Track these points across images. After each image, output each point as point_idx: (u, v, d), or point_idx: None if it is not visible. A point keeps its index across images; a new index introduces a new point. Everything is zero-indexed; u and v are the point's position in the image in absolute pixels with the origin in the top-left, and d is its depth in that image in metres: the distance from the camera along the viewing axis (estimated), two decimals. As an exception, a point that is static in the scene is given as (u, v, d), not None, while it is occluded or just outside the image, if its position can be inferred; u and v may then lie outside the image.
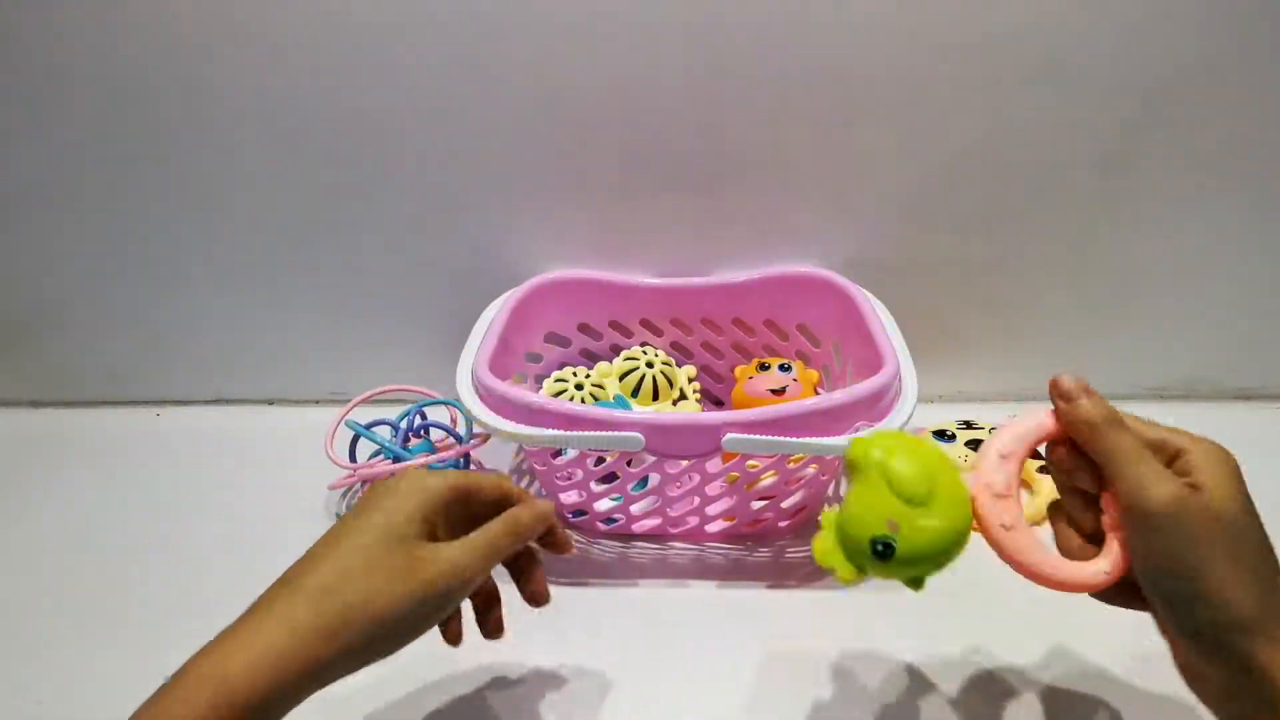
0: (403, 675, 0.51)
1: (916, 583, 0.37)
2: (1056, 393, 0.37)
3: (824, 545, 0.39)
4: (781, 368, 0.67)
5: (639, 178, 0.67)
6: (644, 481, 0.59)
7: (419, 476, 0.39)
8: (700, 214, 0.68)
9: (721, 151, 0.65)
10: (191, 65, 0.63)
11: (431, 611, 0.36)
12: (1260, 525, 0.34)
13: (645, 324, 0.72)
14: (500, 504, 0.41)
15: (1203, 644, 0.33)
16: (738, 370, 0.70)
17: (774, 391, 0.65)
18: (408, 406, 0.66)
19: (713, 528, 0.60)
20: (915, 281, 0.70)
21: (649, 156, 0.65)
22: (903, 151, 0.64)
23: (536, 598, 0.44)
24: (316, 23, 0.61)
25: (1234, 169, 0.64)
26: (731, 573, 0.58)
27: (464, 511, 0.40)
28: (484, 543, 0.38)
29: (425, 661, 0.51)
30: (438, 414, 0.69)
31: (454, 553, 0.37)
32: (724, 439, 0.51)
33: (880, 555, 0.35)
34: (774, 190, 0.67)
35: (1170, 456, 0.36)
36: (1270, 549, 0.34)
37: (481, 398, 0.55)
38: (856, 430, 0.52)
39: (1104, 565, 0.36)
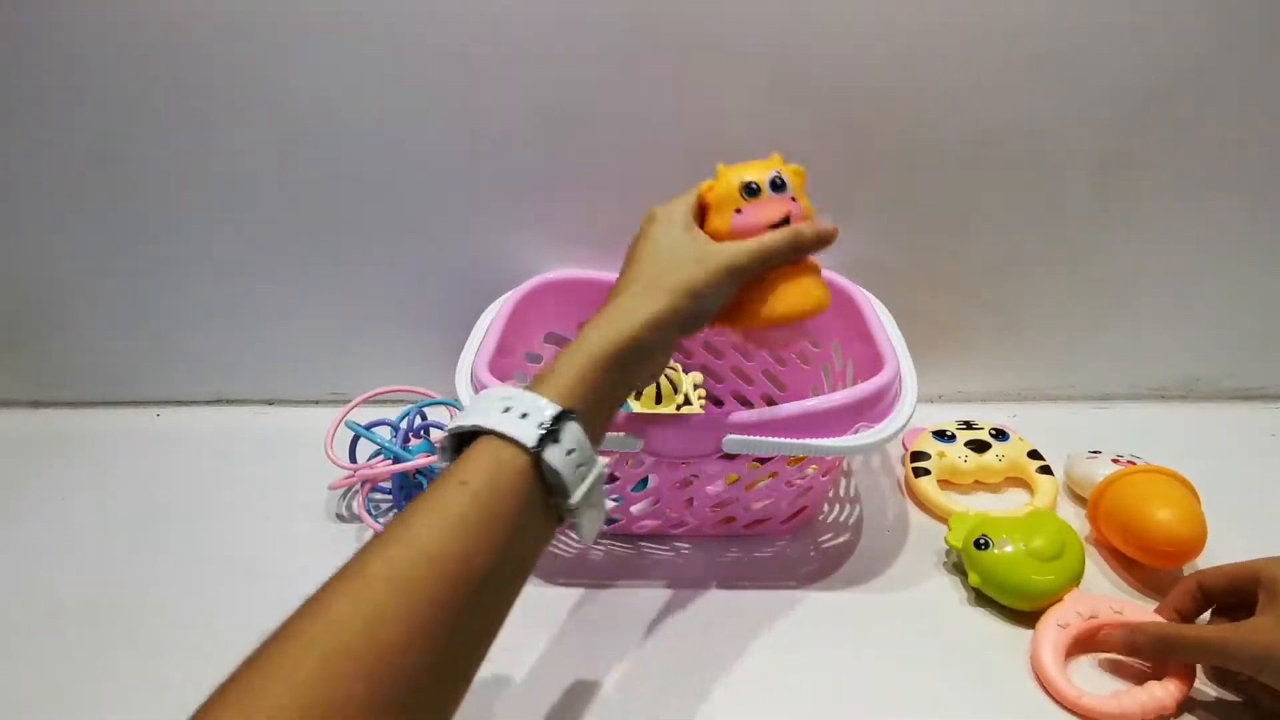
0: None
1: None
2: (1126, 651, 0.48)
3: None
4: (774, 185, 0.50)
5: (639, 177, 0.66)
6: (644, 482, 0.59)
7: (666, 209, 0.49)
8: (700, 214, 0.68)
9: (721, 151, 0.65)
10: (191, 65, 0.63)
11: (730, 287, 0.47)
12: None
13: (645, 324, 0.72)
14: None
15: None
16: (710, 196, 0.51)
17: (775, 226, 0.49)
18: (408, 407, 0.66)
19: (713, 528, 0.60)
20: (915, 282, 0.70)
21: (649, 156, 0.65)
22: (903, 152, 0.64)
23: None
24: (317, 23, 0.61)
25: (1233, 169, 0.64)
26: (731, 573, 0.58)
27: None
28: (760, 246, 0.47)
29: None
30: (438, 414, 0.68)
31: (734, 250, 0.47)
32: (724, 440, 0.51)
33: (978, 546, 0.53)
34: (774, 190, 0.67)
35: (1248, 591, 0.45)
36: None
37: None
38: (856, 431, 0.52)
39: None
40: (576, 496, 0.37)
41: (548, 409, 0.37)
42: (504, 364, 0.62)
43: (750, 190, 0.49)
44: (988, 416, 0.69)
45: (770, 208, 0.49)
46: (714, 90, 0.62)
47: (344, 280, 0.73)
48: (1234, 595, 0.47)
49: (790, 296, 0.49)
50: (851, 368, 0.64)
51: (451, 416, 0.69)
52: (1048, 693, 0.47)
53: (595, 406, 0.41)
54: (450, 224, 0.69)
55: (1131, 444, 0.64)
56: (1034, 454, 0.65)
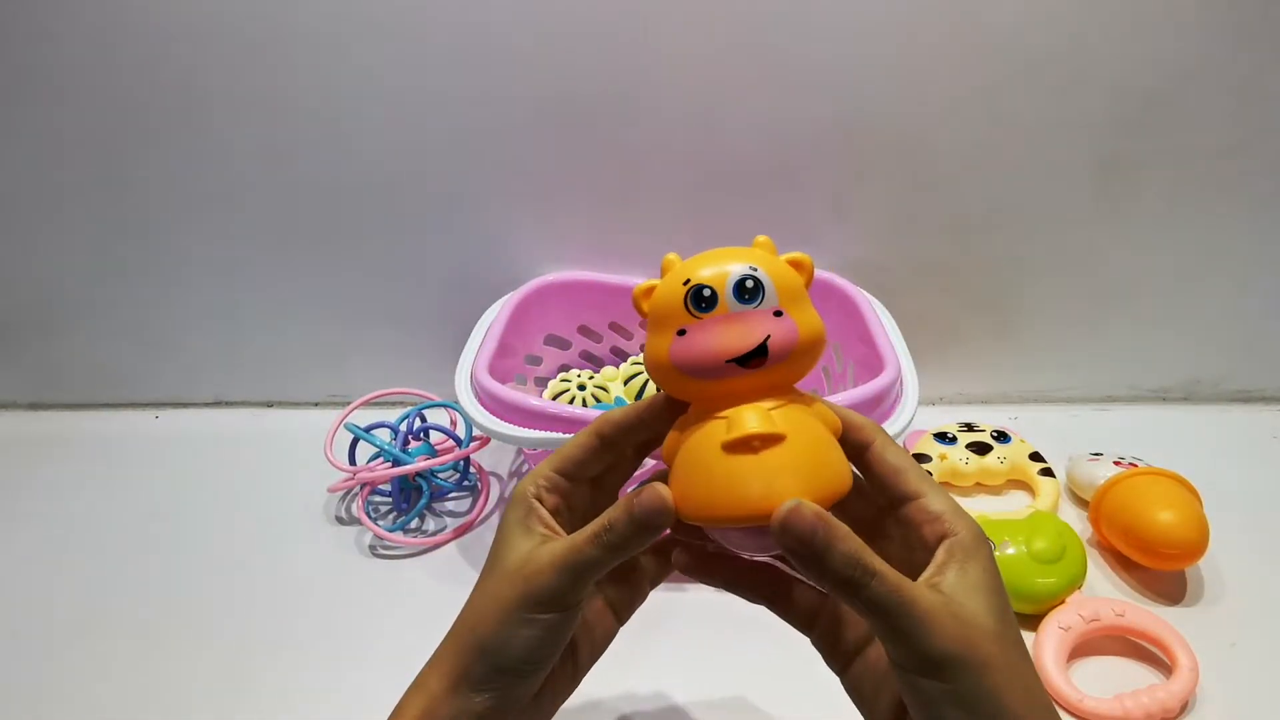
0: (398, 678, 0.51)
1: None
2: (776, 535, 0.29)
3: None
4: (741, 292, 0.29)
5: (639, 179, 0.66)
6: (644, 483, 0.58)
7: (515, 491, 0.34)
8: (700, 215, 0.68)
9: (721, 153, 0.65)
10: (190, 67, 0.63)
11: (525, 624, 0.31)
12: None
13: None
14: (609, 445, 0.35)
15: None
16: (646, 304, 0.32)
17: (744, 359, 0.29)
18: (407, 409, 0.65)
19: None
20: (916, 284, 0.69)
21: (649, 158, 0.65)
22: (903, 153, 0.64)
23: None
24: (316, 25, 0.61)
25: (1233, 171, 0.64)
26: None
27: (575, 485, 0.35)
28: (566, 552, 0.31)
29: (418, 664, 0.51)
30: (437, 416, 0.68)
31: (536, 569, 0.31)
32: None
33: None
34: (774, 192, 0.66)
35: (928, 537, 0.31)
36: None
37: (481, 400, 0.55)
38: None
39: None
40: None
41: None
42: (504, 366, 0.62)
43: (699, 299, 0.29)
44: (989, 419, 0.69)
45: (731, 329, 0.29)
46: (714, 91, 0.62)
47: (343, 282, 0.73)
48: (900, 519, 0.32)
49: (736, 483, 0.29)
50: (852, 370, 0.64)
51: (451, 419, 0.69)
52: (1050, 695, 0.47)
53: None
54: (450, 225, 0.69)
55: (1133, 446, 0.64)
56: (1035, 456, 0.65)
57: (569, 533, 0.32)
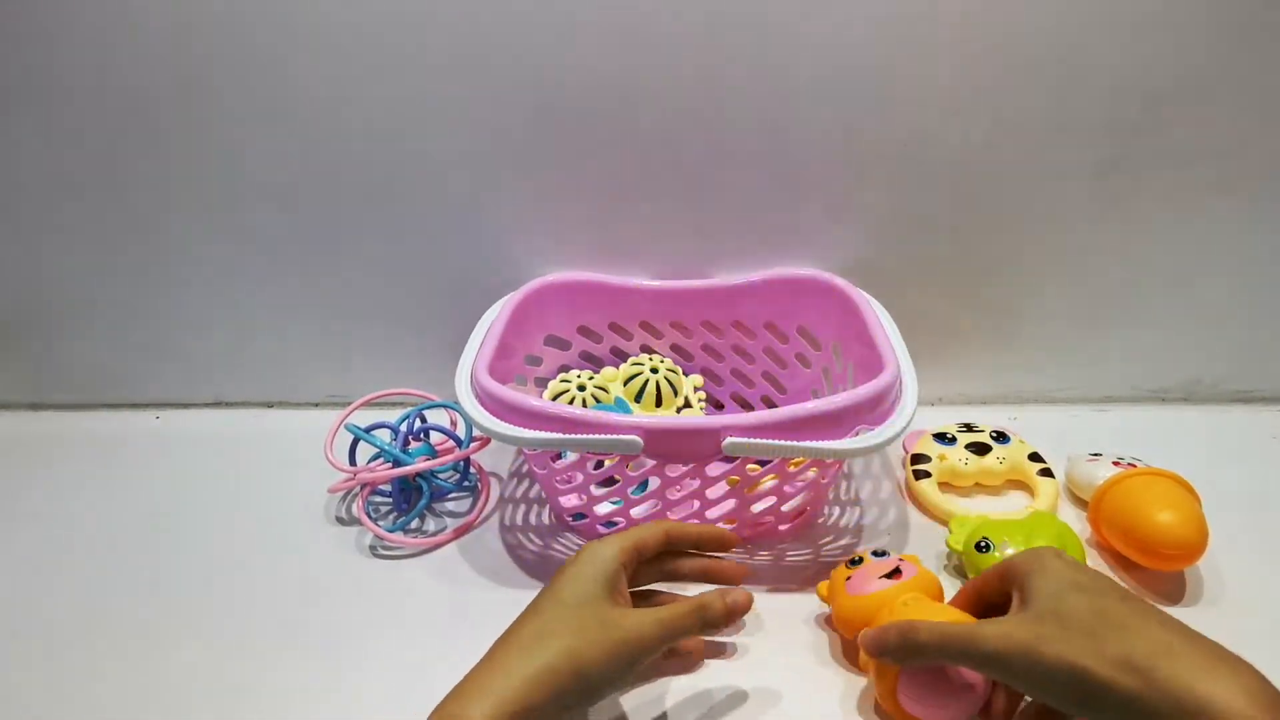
0: (398, 678, 0.51)
1: None
2: (871, 651, 0.44)
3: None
4: (875, 553, 0.52)
5: (639, 180, 0.67)
6: (644, 485, 0.58)
7: (594, 550, 0.45)
8: (700, 216, 0.68)
9: (721, 153, 0.65)
10: (191, 67, 0.63)
11: (625, 668, 0.41)
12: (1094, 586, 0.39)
13: (645, 326, 0.72)
14: (668, 551, 0.48)
15: None
16: (832, 576, 0.53)
17: (887, 576, 0.50)
18: (407, 410, 0.65)
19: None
20: (915, 284, 0.70)
21: (649, 159, 0.65)
22: (903, 154, 0.64)
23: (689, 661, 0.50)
24: (315, 26, 0.61)
25: (1232, 171, 0.64)
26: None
27: (644, 564, 0.47)
28: (668, 619, 0.43)
29: (422, 666, 0.51)
30: (437, 417, 0.68)
31: (637, 622, 0.42)
32: (724, 442, 0.51)
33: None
34: (774, 193, 0.67)
35: (1006, 591, 0.42)
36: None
37: (481, 401, 0.55)
38: (857, 433, 0.51)
39: None
40: None
41: None
42: (504, 366, 0.62)
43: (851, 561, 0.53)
44: (988, 419, 0.69)
45: (877, 567, 0.50)
46: (714, 92, 0.62)
47: (343, 283, 0.73)
48: (999, 595, 0.43)
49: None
50: (852, 370, 0.64)
51: (451, 419, 0.69)
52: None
53: None
54: (450, 226, 0.69)
55: (1132, 446, 0.64)
56: (1035, 456, 0.65)
57: None
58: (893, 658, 0.42)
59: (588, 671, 0.39)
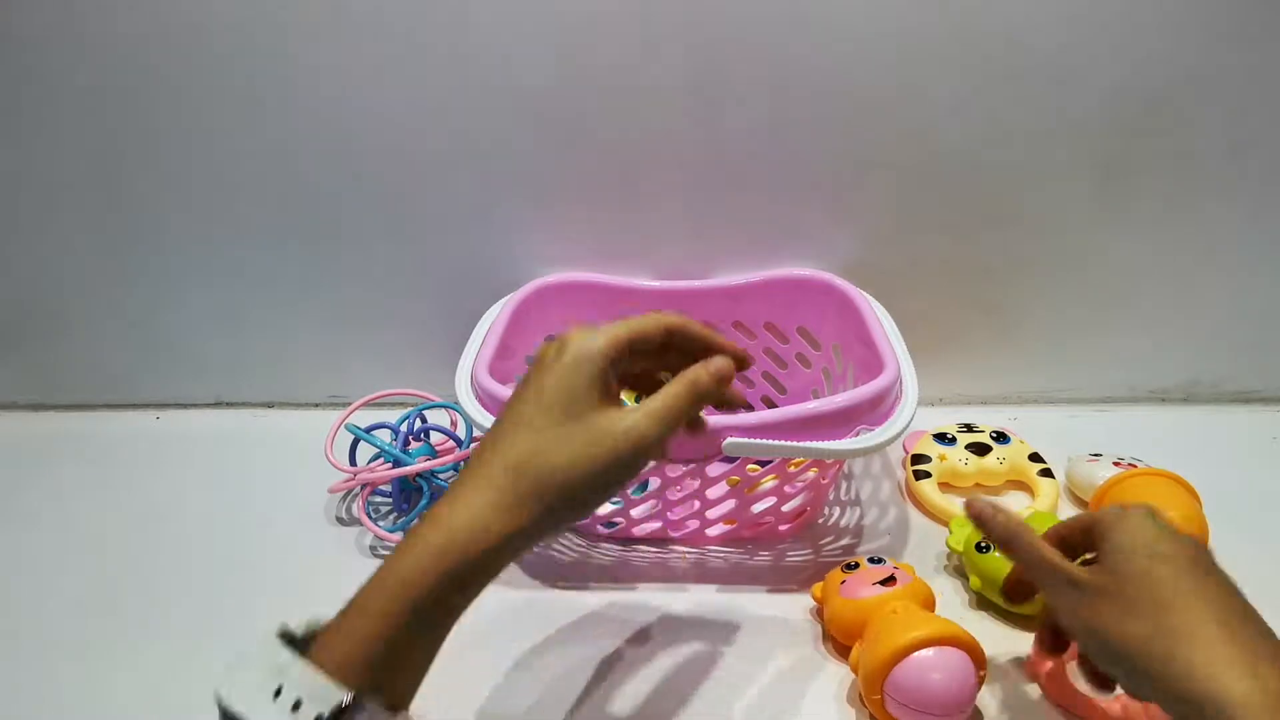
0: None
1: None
2: (970, 514, 0.44)
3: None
4: (871, 560, 0.53)
5: (639, 180, 0.67)
6: (644, 485, 0.59)
7: (581, 343, 0.38)
8: (700, 216, 0.68)
9: (721, 154, 0.65)
10: (191, 70, 0.63)
11: (618, 477, 0.37)
12: (1197, 571, 0.38)
13: (645, 327, 0.72)
14: (666, 343, 0.41)
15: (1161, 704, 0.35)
16: (827, 578, 0.54)
17: (881, 583, 0.50)
18: (408, 410, 0.65)
19: (713, 531, 0.60)
20: (915, 284, 0.70)
21: (649, 159, 0.65)
22: (902, 154, 0.64)
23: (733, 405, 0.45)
24: (316, 27, 0.61)
25: (1232, 172, 0.64)
26: (732, 577, 0.58)
27: (633, 358, 0.40)
28: (663, 409, 0.38)
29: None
30: (438, 417, 0.68)
31: (634, 421, 0.37)
32: (724, 443, 0.51)
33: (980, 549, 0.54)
34: (774, 193, 0.67)
35: (1089, 543, 0.42)
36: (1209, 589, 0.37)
37: (481, 401, 0.55)
38: (857, 434, 0.51)
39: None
40: None
41: (328, 696, 0.30)
42: (504, 367, 0.62)
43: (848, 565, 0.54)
44: (988, 419, 0.69)
45: (871, 574, 0.51)
46: (714, 92, 0.62)
47: (344, 283, 0.73)
48: (1083, 546, 0.43)
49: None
50: (852, 370, 0.64)
51: (451, 419, 0.69)
52: (1049, 696, 0.47)
53: (408, 653, 0.34)
54: (450, 226, 0.69)
55: (1132, 447, 0.64)
56: (1035, 457, 0.65)
57: None
58: (978, 522, 0.43)
59: (578, 488, 0.35)
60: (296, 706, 0.30)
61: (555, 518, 0.36)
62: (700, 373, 0.39)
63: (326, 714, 0.30)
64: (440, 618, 0.35)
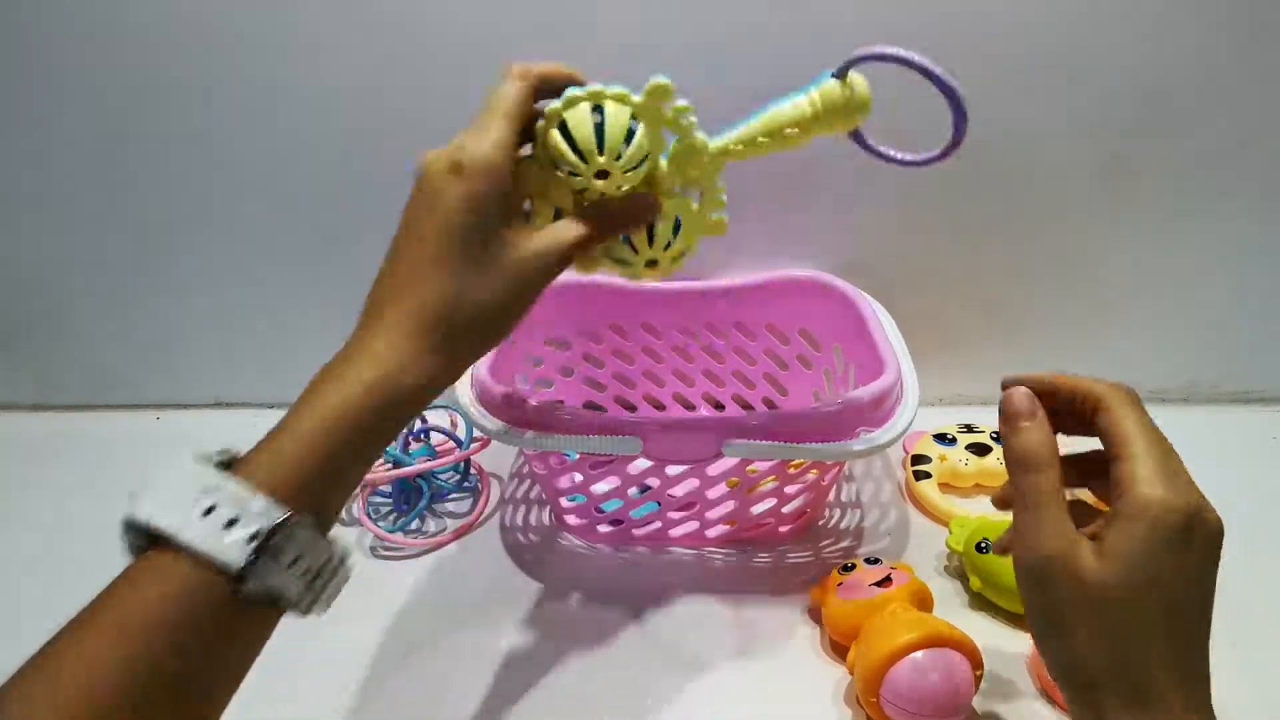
0: (397, 679, 0.51)
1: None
2: (1005, 407, 0.37)
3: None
4: (868, 560, 0.53)
5: (639, 181, 0.66)
6: (645, 486, 0.59)
7: (475, 155, 0.35)
8: (701, 217, 0.68)
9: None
10: (191, 68, 0.63)
11: (529, 302, 0.37)
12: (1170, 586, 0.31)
13: (646, 327, 0.72)
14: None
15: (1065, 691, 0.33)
16: (824, 580, 0.54)
17: (878, 584, 0.50)
18: (408, 410, 0.65)
19: (713, 532, 0.60)
20: (916, 285, 0.69)
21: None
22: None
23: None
24: (316, 27, 0.61)
25: (1233, 173, 0.64)
26: (732, 578, 0.58)
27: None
28: (567, 237, 0.36)
29: (422, 666, 0.51)
30: (438, 417, 0.68)
31: (547, 245, 0.36)
32: (724, 444, 0.51)
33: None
34: (774, 194, 0.66)
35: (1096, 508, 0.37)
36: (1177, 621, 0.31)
37: (481, 401, 0.55)
38: (858, 435, 0.51)
39: None
40: (307, 606, 0.31)
41: (262, 514, 0.29)
42: (504, 367, 0.62)
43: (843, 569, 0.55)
44: (988, 420, 0.69)
45: (869, 574, 0.51)
46: (714, 92, 0.62)
47: (344, 283, 0.72)
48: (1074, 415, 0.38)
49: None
50: (853, 372, 0.64)
51: (451, 420, 0.69)
52: (1049, 696, 0.47)
53: (338, 478, 0.32)
54: (450, 227, 0.69)
55: (1132, 447, 0.64)
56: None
57: None
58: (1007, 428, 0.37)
59: (489, 329, 0.36)
60: (230, 524, 0.28)
61: (477, 355, 0.37)
62: (611, 206, 0.38)
63: (266, 530, 0.28)
64: (370, 449, 0.33)
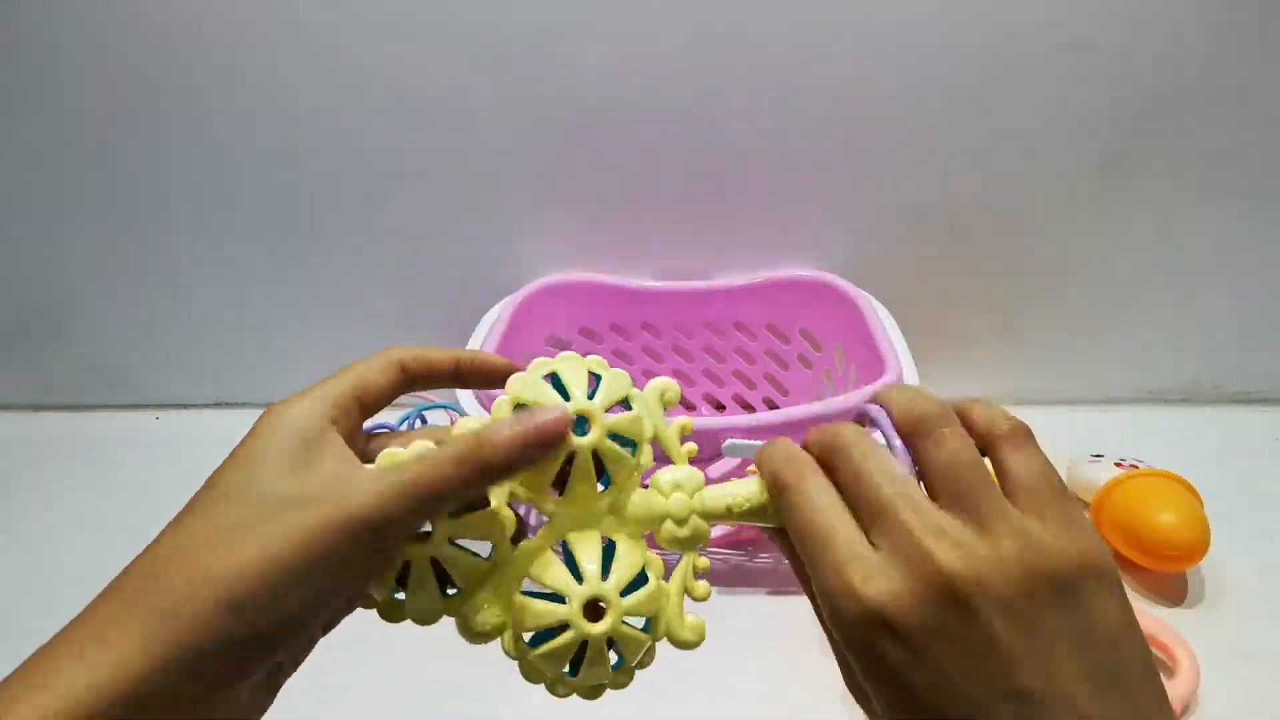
0: (394, 678, 0.51)
1: None
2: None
3: None
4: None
5: (641, 181, 0.67)
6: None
7: (276, 416, 0.28)
8: (702, 217, 0.68)
9: (723, 154, 0.65)
10: (191, 68, 0.63)
11: (329, 572, 0.25)
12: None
13: (647, 328, 0.72)
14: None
15: None
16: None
17: None
18: (407, 410, 0.65)
19: (713, 533, 0.60)
20: (917, 284, 0.69)
21: (651, 160, 0.65)
22: (904, 154, 0.64)
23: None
24: (317, 27, 0.61)
25: (1234, 172, 0.64)
26: (732, 579, 0.58)
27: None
28: (417, 472, 0.25)
29: (421, 666, 0.51)
30: (438, 418, 0.68)
31: (358, 487, 0.25)
32: (724, 444, 0.50)
33: None
34: (775, 193, 0.67)
35: None
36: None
37: (481, 402, 0.55)
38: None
39: None
40: None
41: None
42: (505, 367, 0.61)
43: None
44: (989, 420, 0.69)
45: None
46: (714, 91, 0.62)
47: (345, 283, 0.73)
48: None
49: None
50: (854, 371, 0.64)
51: (451, 420, 0.69)
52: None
53: None
54: (451, 227, 0.69)
55: (1133, 448, 0.64)
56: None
57: None
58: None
59: (258, 603, 0.23)
60: None
61: (215, 643, 0.23)
62: (496, 428, 0.26)
63: None
64: None
